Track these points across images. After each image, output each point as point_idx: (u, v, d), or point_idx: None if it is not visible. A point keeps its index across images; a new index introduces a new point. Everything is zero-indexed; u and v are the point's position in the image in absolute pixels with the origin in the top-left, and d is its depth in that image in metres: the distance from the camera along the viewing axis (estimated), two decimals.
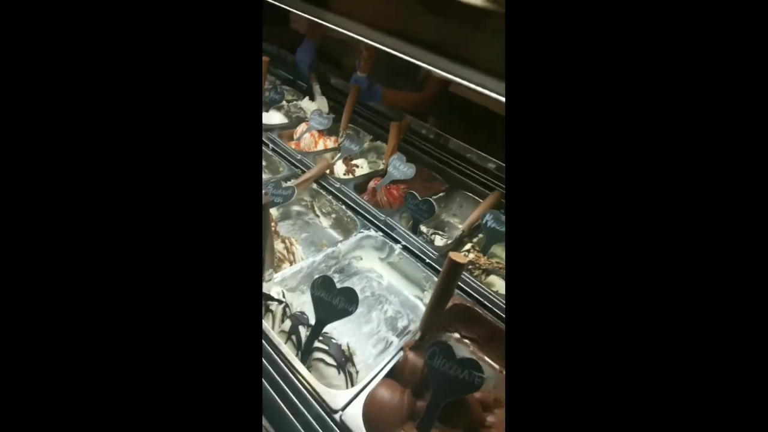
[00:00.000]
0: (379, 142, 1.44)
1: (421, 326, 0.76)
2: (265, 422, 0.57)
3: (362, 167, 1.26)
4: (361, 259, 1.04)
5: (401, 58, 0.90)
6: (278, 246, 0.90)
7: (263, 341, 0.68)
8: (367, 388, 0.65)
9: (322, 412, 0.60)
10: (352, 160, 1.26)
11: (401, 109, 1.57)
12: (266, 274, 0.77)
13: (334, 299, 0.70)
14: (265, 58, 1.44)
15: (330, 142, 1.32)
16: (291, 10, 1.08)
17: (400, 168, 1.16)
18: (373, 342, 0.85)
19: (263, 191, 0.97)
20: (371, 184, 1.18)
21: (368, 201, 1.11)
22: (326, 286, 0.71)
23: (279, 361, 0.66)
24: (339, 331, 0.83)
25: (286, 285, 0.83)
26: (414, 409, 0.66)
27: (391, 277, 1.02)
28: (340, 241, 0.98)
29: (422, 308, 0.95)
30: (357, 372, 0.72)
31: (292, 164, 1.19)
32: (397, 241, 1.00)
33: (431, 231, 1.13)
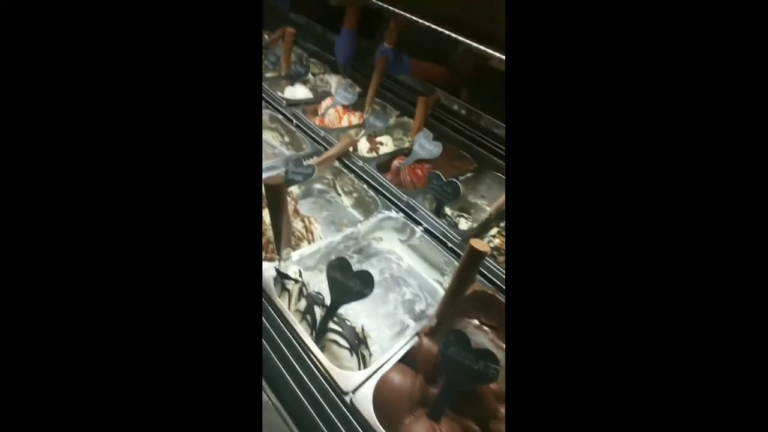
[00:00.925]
0: (405, 118, 1.38)
1: (437, 312, 0.74)
2: (274, 400, 0.59)
3: (387, 145, 1.22)
4: (381, 240, 1.02)
5: (432, 31, 0.84)
6: (297, 225, 0.90)
7: (278, 319, 0.69)
8: (379, 372, 0.65)
9: (333, 394, 0.61)
10: (376, 137, 1.22)
11: (431, 83, 1.49)
12: (284, 253, 0.77)
13: (350, 281, 0.70)
14: (290, 30, 1.41)
15: (355, 118, 1.29)
16: None
17: (426, 146, 1.11)
18: (389, 324, 0.85)
19: (281, 170, 0.96)
20: (395, 163, 1.15)
21: (391, 181, 1.08)
22: (342, 268, 0.70)
23: (293, 340, 0.67)
24: (355, 311, 0.83)
25: (303, 264, 0.83)
26: (426, 396, 0.65)
27: (411, 260, 1.00)
28: (360, 222, 0.96)
29: (441, 293, 0.93)
30: (370, 355, 0.72)
31: (316, 141, 1.17)
32: (418, 223, 0.98)
33: (456, 213, 1.09)
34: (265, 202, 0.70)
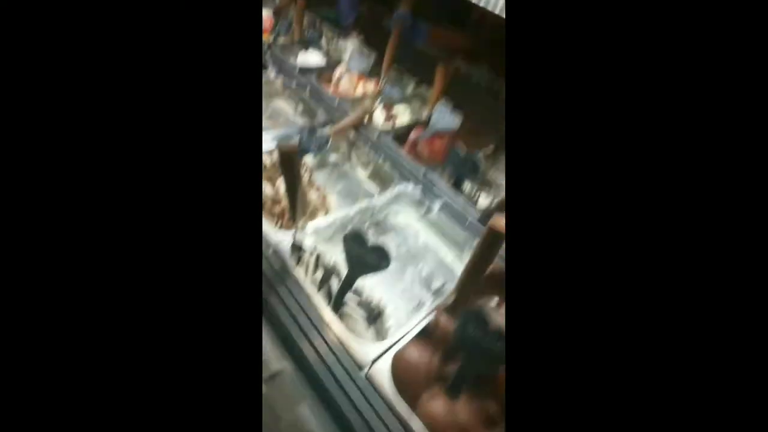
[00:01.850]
0: (424, 88, 1.32)
1: (456, 289, 0.72)
2: (291, 370, 0.59)
3: (404, 115, 1.17)
4: (398, 214, 1.00)
5: None
6: (312, 195, 0.87)
7: (294, 289, 0.68)
8: (396, 346, 0.65)
9: (349, 366, 0.61)
10: (393, 107, 1.17)
11: (451, 51, 1.42)
12: (299, 223, 0.75)
13: (366, 254, 0.68)
14: None
15: (370, 86, 1.23)
16: None
17: (445, 117, 1.06)
18: (405, 299, 0.84)
19: (295, 139, 0.93)
20: (412, 135, 1.10)
21: (408, 153, 1.04)
22: (358, 241, 0.69)
23: (310, 310, 0.66)
24: (371, 286, 0.82)
25: (319, 235, 0.82)
26: (443, 373, 0.64)
27: (428, 236, 0.98)
28: (376, 195, 0.94)
29: (459, 270, 0.91)
30: (387, 328, 0.71)
31: (330, 110, 1.13)
32: (436, 198, 0.95)
33: (476, 189, 1.05)
34: (279, 170, 0.68)
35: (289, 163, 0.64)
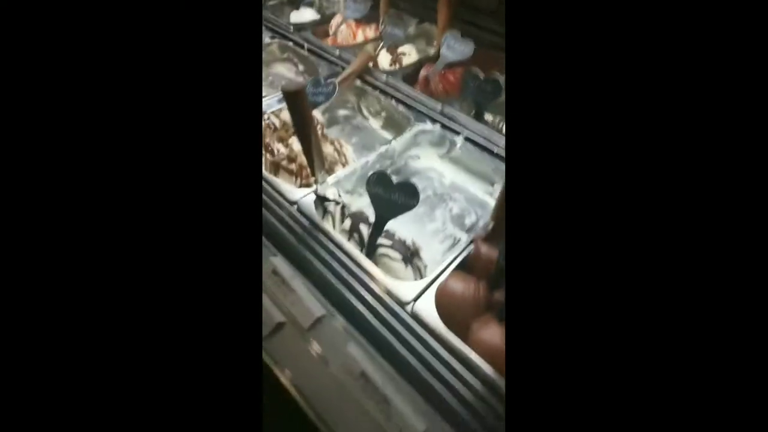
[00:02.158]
0: (426, 25, 1.23)
1: (493, 216, 0.68)
2: (334, 315, 0.57)
3: (410, 54, 1.10)
4: (419, 158, 0.95)
5: None
6: (328, 149, 0.84)
7: (326, 240, 0.66)
8: (437, 281, 0.62)
9: (394, 304, 0.59)
10: (397, 47, 1.10)
11: None
12: (319, 176, 0.73)
13: (393, 194, 0.64)
14: None
15: (370, 32, 1.16)
16: None
17: (456, 47, 0.97)
18: (439, 239, 0.81)
19: (301, 83, 0.88)
20: (422, 72, 1.03)
21: (422, 92, 0.98)
22: (383, 182, 0.65)
23: (344, 258, 0.64)
24: (401, 230, 0.79)
25: (341, 187, 0.79)
26: (490, 301, 0.61)
27: (454, 175, 0.93)
28: (393, 140, 0.89)
29: (492, 204, 0.86)
30: (425, 266, 0.68)
31: (331, 62, 1.07)
32: (457, 133, 0.89)
33: (499, 118, 0.98)
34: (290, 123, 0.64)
35: (296, 104, 0.61)
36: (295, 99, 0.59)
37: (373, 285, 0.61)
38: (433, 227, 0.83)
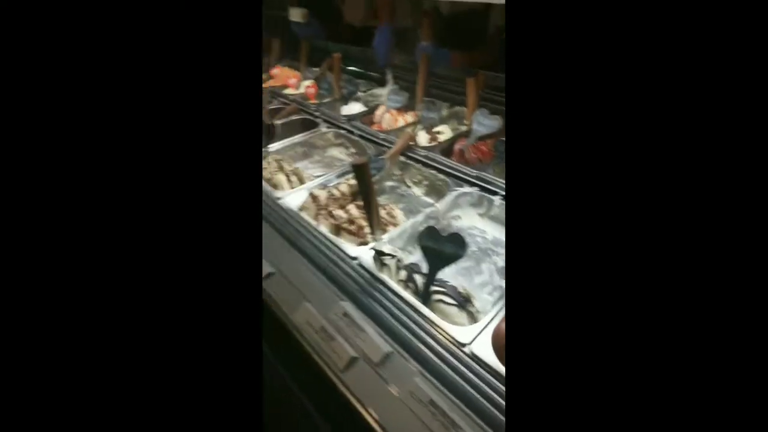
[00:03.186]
0: (457, 108, 1.44)
1: None
2: (399, 352, 0.64)
3: (445, 133, 1.29)
4: (460, 218, 1.06)
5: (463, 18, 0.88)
6: (381, 212, 0.98)
7: (385, 289, 0.76)
8: (491, 324, 0.68)
9: (450, 345, 0.65)
10: (433, 128, 1.30)
11: (473, 67, 1.55)
12: (377, 234, 0.85)
13: (443, 246, 0.75)
14: (336, 55, 1.59)
15: (409, 117, 1.38)
16: None
17: (485, 122, 1.15)
18: (487, 291, 0.87)
19: (365, 158, 1.06)
20: (457, 146, 1.20)
21: (457, 161, 1.13)
22: (433, 236, 0.76)
23: (402, 304, 0.73)
24: (452, 282, 0.87)
25: (394, 243, 0.90)
26: None
27: (496, 231, 1.02)
28: (437, 202, 1.02)
29: None
30: (478, 311, 0.75)
31: (378, 144, 1.28)
32: (494, 194, 1.00)
33: None
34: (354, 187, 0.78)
35: (362, 175, 0.76)
36: (361, 170, 0.75)
37: (431, 328, 0.68)
38: (481, 280, 0.90)
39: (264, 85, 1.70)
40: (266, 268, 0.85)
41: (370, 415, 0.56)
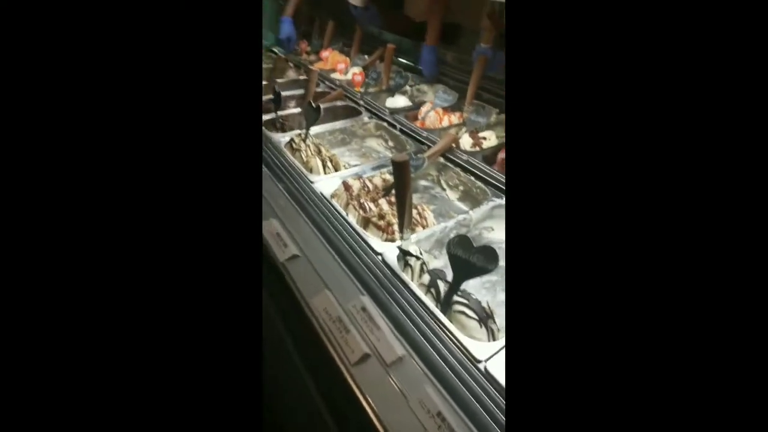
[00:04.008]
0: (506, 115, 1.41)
1: None
2: (412, 357, 0.64)
3: (490, 140, 1.26)
4: (493, 230, 1.04)
5: None
6: (412, 212, 0.97)
7: (405, 290, 0.76)
8: None
9: (467, 360, 0.64)
10: (478, 132, 1.27)
11: None
12: (405, 233, 0.85)
13: (472, 257, 0.73)
14: (390, 46, 1.58)
15: (455, 118, 1.36)
16: None
17: None
18: None
19: (406, 155, 1.06)
20: (501, 154, 1.17)
21: (499, 171, 1.11)
22: (463, 244, 0.75)
23: (421, 309, 0.72)
24: (476, 293, 0.86)
25: (421, 245, 0.90)
26: None
27: None
28: (471, 210, 1.00)
29: None
30: (498, 330, 0.73)
31: (419, 141, 1.27)
32: None
33: None
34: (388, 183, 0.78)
35: (400, 172, 0.76)
36: (401, 168, 0.75)
37: (448, 338, 0.67)
38: (504, 296, 0.88)
39: (313, 67, 1.72)
40: (292, 250, 0.86)
41: (375, 413, 0.56)
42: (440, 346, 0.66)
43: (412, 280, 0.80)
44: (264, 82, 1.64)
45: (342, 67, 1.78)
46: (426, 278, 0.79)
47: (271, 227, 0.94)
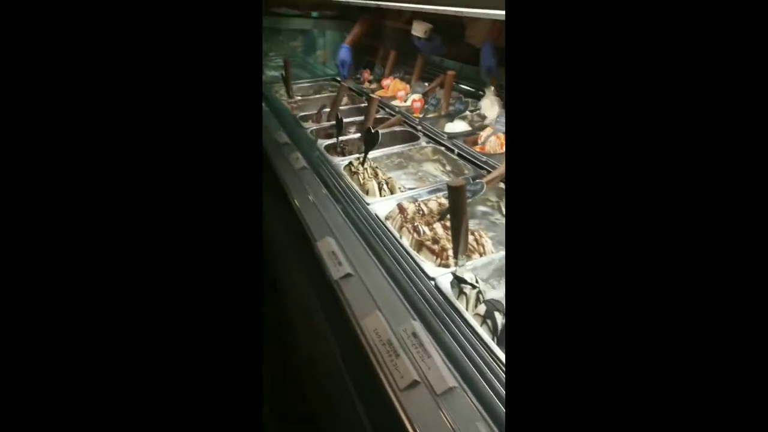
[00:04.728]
0: None
1: None
2: (470, 393, 0.61)
3: None
4: None
5: None
6: (468, 237, 0.96)
7: (459, 319, 0.74)
8: None
9: None
10: None
11: None
12: (460, 259, 0.84)
13: None
14: (450, 72, 1.62)
15: None
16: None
17: None
18: None
19: (462, 180, 1.06)
20: None
21: None
22: None
23: (475, 340, 0.70)
24: None
25: (477, 273, 0.87)
26: None
27: None
28: None
29: None
30: None
31: (477, 165, 1.26)
32: None
33: None
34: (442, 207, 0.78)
35: (456, 197, 0.76)
36: (457, 193, 0.75)
37: (503, 373, 0.63)
38: None
39: (374, 95, 1.81)
40: (345, 269, 0.89)
41: None
42: (494, 380, 0.63)
43: (467, 309, 0.78)
44: (326, 109, 1.76)
45: (402, 94, 1.86)
46: (482, 308, 0.77)
47: (327, 246, 0.98)
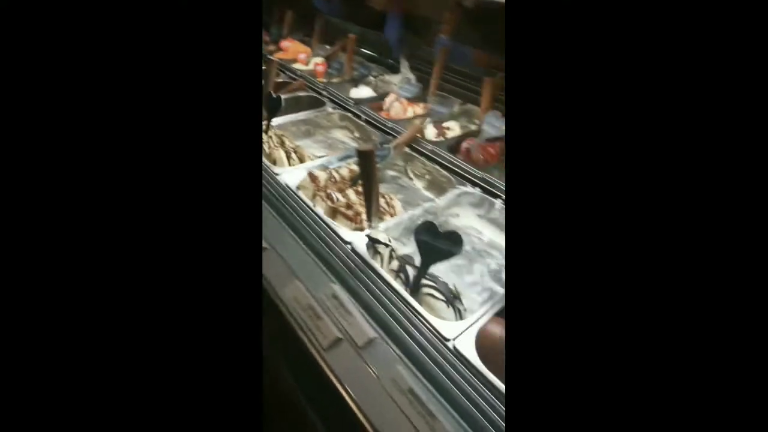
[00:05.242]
0: (470, 106, 1.47)
1: None
2: (383, 339, 0.67)
3: (454, 130, 1.31)
4: (458, 216, 1.09)
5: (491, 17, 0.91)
6: (380, 201, 1.00)
7: (375, 276, 0.79)
8: (477, 324, 0.71)
9: (437, 339, 0.68)
10: (442, 123, 1.32)
11: (495, 69, 1.57)
12: (373, 222, 0.88)
13: (439, 242, 0.78)
14: (351, 36, 1.60)
15: (419, 109, 1.40)
16: None
17: (497, 124, 1.18)
18: (477, 291, 0.91)
19: (372, 145, 1.08)
20: (464, 144, 1.23)
21: (464, 160, 1.16)
22: (430, 231, 0.79)
23: (391, 293, 0.75)
24: (444, 276, 0.90)
25: (389, 233, 0.93)
26: None
27: (492, 234, 1.05)
28: (437, 199, 1.05)
29: None
30: (465, 309, 0.78)
31: (384, 131, 1.30)
32: (496, 197, 1.04)
33: None
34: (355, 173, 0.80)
35: (366, 162, 0.79)
36: (367, 158, 0.78)
37: (417, 320, 0.71)
38: (471, 279, 0.94)
39: (273, 57, 1.70)
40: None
41: (349, 395, 0.59)
42: (410, 327, 0.70)
43: (382, 266, 0.83)
44: None
45: (303, 57, 1.78)
46: (395, 264, 0.83)
47: None
